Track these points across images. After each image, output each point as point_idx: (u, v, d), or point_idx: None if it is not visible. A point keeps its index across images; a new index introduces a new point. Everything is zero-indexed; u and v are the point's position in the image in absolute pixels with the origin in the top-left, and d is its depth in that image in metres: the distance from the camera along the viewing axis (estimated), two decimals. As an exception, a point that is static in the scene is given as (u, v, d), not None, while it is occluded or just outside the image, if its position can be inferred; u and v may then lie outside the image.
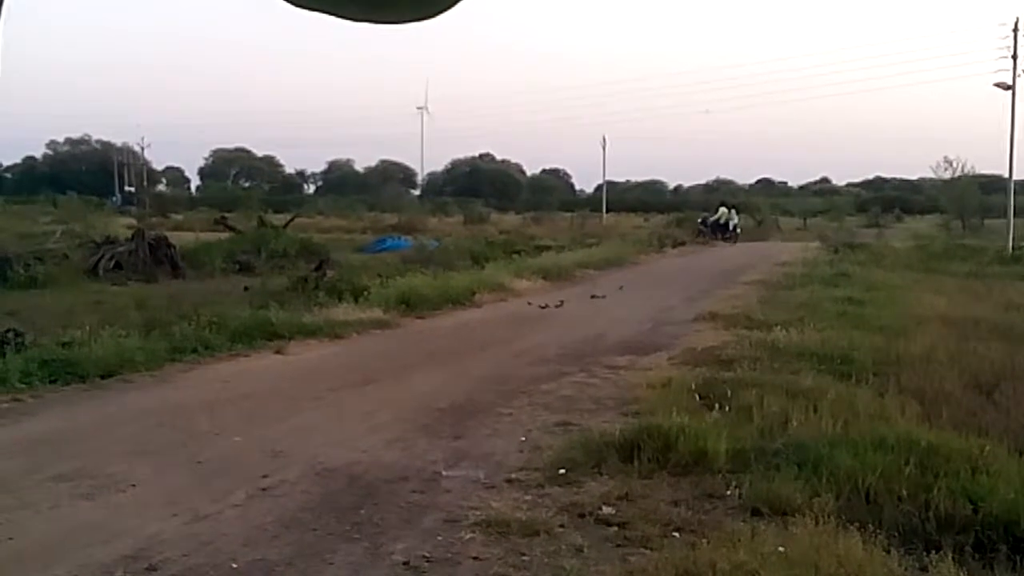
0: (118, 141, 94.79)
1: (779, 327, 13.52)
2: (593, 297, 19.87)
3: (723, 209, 39.60)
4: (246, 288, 17.99)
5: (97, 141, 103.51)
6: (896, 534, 5.47)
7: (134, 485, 6.70)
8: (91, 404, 9.41)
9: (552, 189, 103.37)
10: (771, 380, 9.68)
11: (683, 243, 41.45)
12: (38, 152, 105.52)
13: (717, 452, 6.95)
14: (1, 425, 8.48)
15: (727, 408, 8.27)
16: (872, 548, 5.11)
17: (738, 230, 37.03)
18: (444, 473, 7.04)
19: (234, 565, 5.24)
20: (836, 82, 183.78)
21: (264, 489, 6.62)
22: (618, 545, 5.60)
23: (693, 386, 9.30)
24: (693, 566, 4.99)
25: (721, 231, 36.52)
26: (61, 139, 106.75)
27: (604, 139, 73.07)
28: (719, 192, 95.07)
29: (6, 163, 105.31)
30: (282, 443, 7.84)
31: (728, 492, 6.43)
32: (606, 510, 6.11)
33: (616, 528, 5.84)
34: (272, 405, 9.42)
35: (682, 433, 7.18)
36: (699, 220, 39.17)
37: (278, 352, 12.45)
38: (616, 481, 6.66)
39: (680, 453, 6.99)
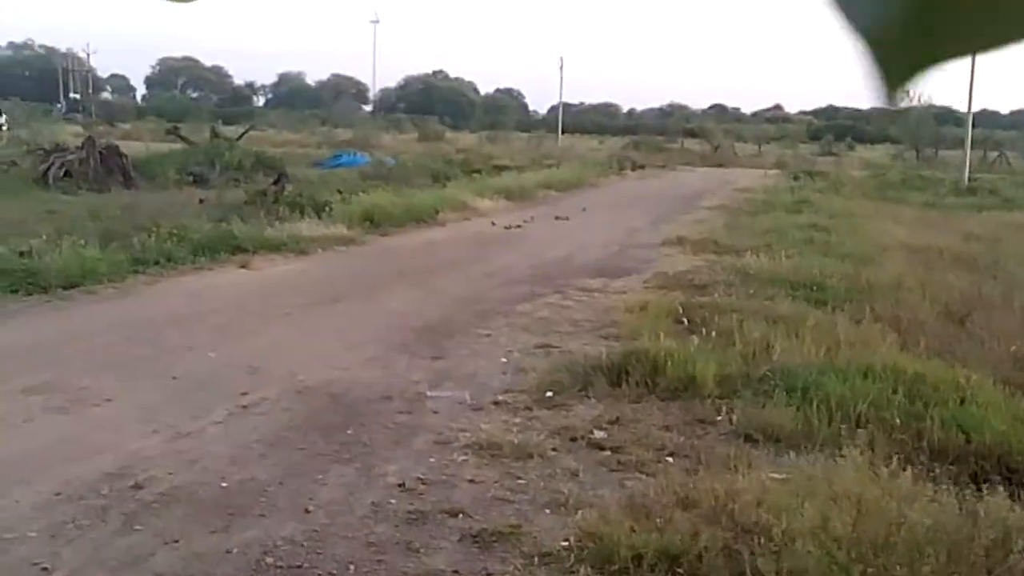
0: (62, 47, 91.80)
1: (748, 253, 13.48)
2: (557, 219, 19.70)
3: None
4: (202, 201, 17.63)
5: (40, 46, 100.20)
6: (891, 463, 5.43)
7: (109, 400, 6.47)
8: (55, 316, 9.09)
9: (506, 109, 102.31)
10: (748, 306, 9.61)
11: (642, 167, 41.39)
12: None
13: (705, 377, 6.86)
14: (-39, 336, 8.16)
15: (710, 333, 8.19)
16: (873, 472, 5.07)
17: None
18: (428, 394, 6.89)
19: (224, 484, 5.07)
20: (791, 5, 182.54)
21: (245, 407, 6.43)
22: (613, 470, 5.51)
23: (680, 309, 9.22)
24: (693, 491, 4.92)
25: None
26: (3, 43, 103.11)
27: (561, 60, 72.45)
28: (673, 116, 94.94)
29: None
30: (257, 359, 7.63)
31: (719, 418, 6.36)
32: (598, 434, 6.02)
33: (609, 452, 5.75)
34: (243, 320, 9.19)
35: (669, 358, 7.08)
36: None
37: (243, 267, 12.14)
38: (605, 405, 6.57)
39: (668, 378, 6.90)
